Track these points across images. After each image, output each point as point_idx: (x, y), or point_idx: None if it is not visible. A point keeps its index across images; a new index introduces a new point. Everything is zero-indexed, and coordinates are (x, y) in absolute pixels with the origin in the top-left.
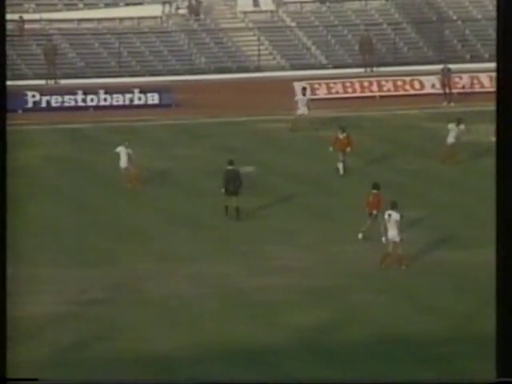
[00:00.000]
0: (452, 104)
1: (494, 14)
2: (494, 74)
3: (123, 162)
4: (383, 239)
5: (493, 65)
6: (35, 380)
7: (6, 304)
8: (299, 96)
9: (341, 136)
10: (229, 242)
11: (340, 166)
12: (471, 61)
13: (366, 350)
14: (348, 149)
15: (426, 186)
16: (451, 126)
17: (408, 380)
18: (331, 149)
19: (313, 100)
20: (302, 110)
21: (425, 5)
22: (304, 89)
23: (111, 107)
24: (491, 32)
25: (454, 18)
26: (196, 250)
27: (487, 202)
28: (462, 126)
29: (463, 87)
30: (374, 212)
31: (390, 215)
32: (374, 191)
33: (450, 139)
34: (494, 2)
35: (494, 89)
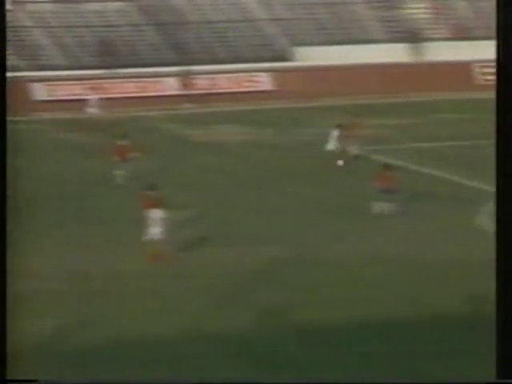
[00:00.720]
0: (191, 105)
1: (233, 16)
2: (231, 75)
3: None
4: (146, 237)
5: (230, 66)
6: (35, 381)
7: (6, 304)
8: (90, 96)
9: (123, 143)
10: None
11: (119, 172)
12: (210, 62)
13: (96, 353)
14: (135, 155)
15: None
16: (334, 132)
17: (408, 380)
18: (116, 158)
19: (55, 101)
20: (92, 110)
21: (164, 7)
22: (92, 89)
23: None
24: (229, 34)
25: (193, 20)
26: None
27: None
28: (337, 132)
29: (203, 88)
30: (150, 211)
31: (153, 213)
32: (150, 192)
33: (330, 146)
34: (232, 5)
35: (231, 90)
